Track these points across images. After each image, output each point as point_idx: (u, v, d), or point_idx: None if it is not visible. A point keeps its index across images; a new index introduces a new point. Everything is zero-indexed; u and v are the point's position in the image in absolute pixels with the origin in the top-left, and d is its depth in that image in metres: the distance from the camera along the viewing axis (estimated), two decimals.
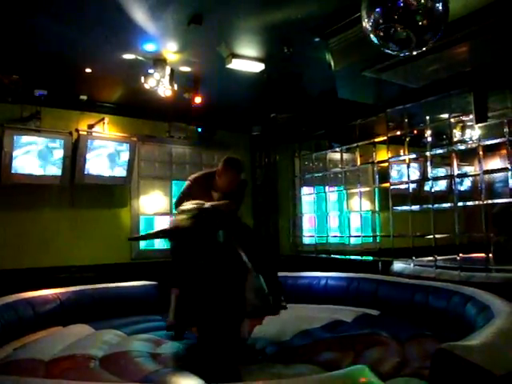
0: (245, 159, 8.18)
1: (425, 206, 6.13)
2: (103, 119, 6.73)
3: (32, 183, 6.07)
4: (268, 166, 8.30)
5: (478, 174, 5.70)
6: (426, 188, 6.61)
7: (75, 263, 6.38)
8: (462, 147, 6.14)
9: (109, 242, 6.76)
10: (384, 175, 7.12)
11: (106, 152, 6.58)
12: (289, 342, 3.88)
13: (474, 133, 6.54)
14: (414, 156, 6.70)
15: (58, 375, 2.99)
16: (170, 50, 4.98)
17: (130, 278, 5.55)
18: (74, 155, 6.33)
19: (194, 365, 3.12)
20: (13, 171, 5.85)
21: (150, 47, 4.86)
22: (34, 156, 6.02)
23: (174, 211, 4.14)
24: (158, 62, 5.11)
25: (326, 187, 8.04)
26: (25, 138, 5.97)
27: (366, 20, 2.94)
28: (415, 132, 6.70)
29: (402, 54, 3.32)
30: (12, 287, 4.66)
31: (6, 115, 5.99)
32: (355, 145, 7.37)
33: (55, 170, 6.18)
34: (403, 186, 6.64)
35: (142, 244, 7.19)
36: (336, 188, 7.94)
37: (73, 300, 4.69)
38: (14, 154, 5.84)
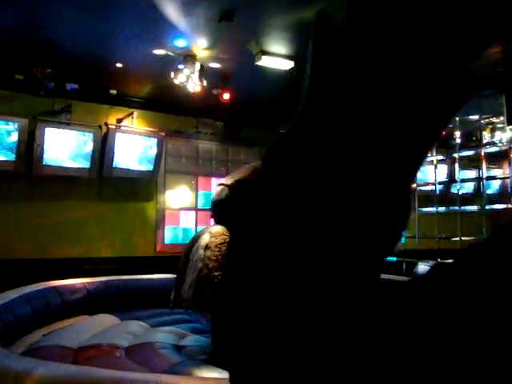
0: None
1: (451, 207, 6.06)
2: (132, 113, 6.81)
3: (61, 175, 6.19)
4: None
5: (508, 177, 5.61)
6: (453, 190, 6.52)
7: (101, 255, 6.49)
8: (492, 149, 6.03)
9: (134, 235, 6.85)
10: None
11: (134, 146, 6.66)
12: None
13: (503, 135, 6.43)
14: (441, 157, 6.61)
15: (85, 363, 3.05)
16: (201, 47, 5.02)
17: (155, 271, 5.61)
18: (103, 148, 6.42)
19: (218, 357, 3.15)
20: (43, 163, 5.98)
21: (180, 43, 4.91)
22: (64, 149, 6.15)
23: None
24: (188, 57, 5.16)
25: None
26: (56, 131, 6.09)
27: None
28: (443, 133, 6.61)
29: None
30: (39, 277, 4.77)
31: (39, 108, 6.11)
32: None
33: (84, 163, 6.29)
34: (430, 188, 6.56)
35: (167, 238, 7.26)
36: None
37: (99, 290, 4.79)
38: (45, 146, 5.97)
